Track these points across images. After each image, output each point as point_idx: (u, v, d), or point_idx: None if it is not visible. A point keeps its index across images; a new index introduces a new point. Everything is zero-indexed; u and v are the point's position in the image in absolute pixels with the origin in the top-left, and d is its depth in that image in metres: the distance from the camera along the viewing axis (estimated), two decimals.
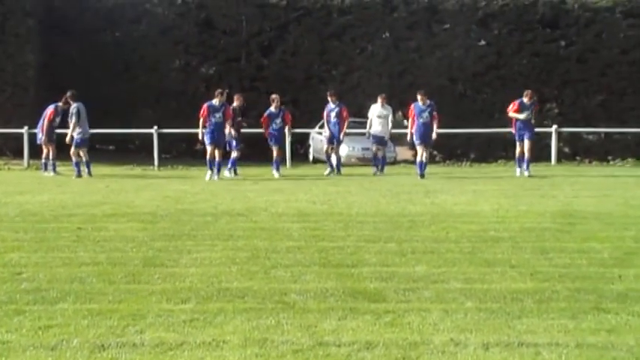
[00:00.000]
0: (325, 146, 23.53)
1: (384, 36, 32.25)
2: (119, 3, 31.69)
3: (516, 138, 22.18)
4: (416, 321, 6.98)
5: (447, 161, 29.74)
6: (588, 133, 30.85)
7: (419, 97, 21.89)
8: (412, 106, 22.08)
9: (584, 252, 10.18)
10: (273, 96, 22.32)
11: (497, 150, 29.75)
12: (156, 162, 26.70)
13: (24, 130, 26.37)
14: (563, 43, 31.79)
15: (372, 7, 31.72)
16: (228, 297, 7.78)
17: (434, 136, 21.91)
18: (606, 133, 31.00)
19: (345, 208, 14.56)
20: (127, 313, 7.19)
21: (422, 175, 21.30)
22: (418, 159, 21.90)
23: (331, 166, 23.04)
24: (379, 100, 23.41)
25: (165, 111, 30.24)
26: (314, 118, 27.26)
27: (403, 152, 30.63)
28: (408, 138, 22.67)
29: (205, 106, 21.11)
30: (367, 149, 28.60)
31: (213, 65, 31.96)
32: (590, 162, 29.29)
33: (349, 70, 31.38)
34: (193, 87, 30.92)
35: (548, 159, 28.43)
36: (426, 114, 21.70)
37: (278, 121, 22.27)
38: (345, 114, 23.02)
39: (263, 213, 13.90)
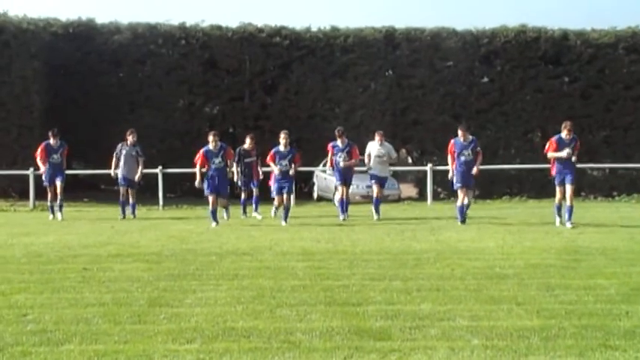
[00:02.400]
0: (338, 193, 21.15)
1: (386, 74, 32.45)
2: (123, 44, 31.86)
3: (555, 182, 18.49)
4: (422, 359, 6.97)
5: (452, 198, 29.72)
6: (593, 169, 30.86)
7: (460, 132, 19.35)
8: (452, 142, 19.54)
9: (591, 288, 10.16)
10: (283, 135, 19.78)
11: (502, 187, 29.85)
12: (160, 202, 26.78)
13: (29, 172, 26.48)
14: (566, 79, 32.05)
15: (375, 45, 31.95)
16: (234, 337, 7.76)
17: (474, 170, 19.13)
18: (611, 169, 31.06)
19: (349, 246, 14.57)
20: (133, 354, 7.19)
21: (463, 221, 18.82)
22: (458, 203, 19.27)
23: (343, 211, 20.61)
24: (377, 137, 21.24)
25: (170, 151, 30.36)
26: (318, 156, 27.34)
27: (407, 189, 30.68)
28: (450, 176, 19.65)
29: (201, 152, 19.16)
30: (371, 187, 28.70)
31: (217, 105, 32.15)
32: (595, 198, 29.32)
33: (352, 108, 31.51)
34: (197, 127, 31.02)
35: (553, 195, 28.33)
36: (467, 152, 19.13)
37: (284, 162, 19.48)
38: (356, 153, 20.77)
39: (268, 252, 13.90)
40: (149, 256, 13.33)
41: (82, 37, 31.97)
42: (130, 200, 22.10)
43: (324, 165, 24.56)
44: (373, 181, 21.19)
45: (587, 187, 30.42)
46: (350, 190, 21.81)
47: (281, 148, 19.57)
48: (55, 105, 30.04)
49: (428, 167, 28.51)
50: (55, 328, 8.14)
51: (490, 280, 10.74)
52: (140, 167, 22.27)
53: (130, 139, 22.01)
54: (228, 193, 19.92)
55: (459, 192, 19.19)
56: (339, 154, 20.45)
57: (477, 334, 7.79)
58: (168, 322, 8.43)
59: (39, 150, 21.26)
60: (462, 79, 31.91)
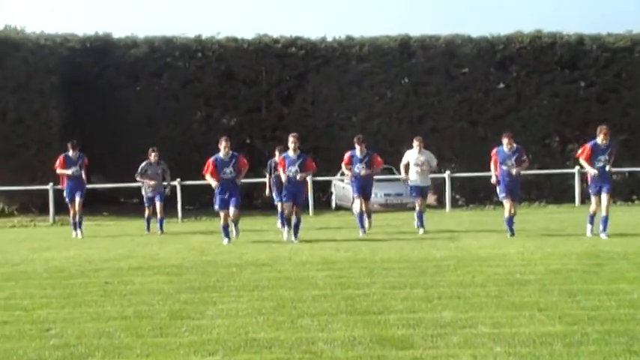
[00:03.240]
0: (357, 206, 19.25)
1: (402, 82, 32.45)
2: (140, 58, 32.01)
3: (591, 191, 17.42)
4: None
5: (470, 205, 29.72)
6: (612, 173, 30.68)
7: (505, 140, 17.84)
8: (495, 151, 18.16)
9: (613, 293, 10.09)
10: (291, 139, 17.93)
11: (520, 192, 29.70)
12: (179, 214, 26.85)
13: (49, 187, 26.61)
14: (582, 83, 31.98)
15: (390, 53, 32.00)
16: (256, 348, 7.75)
17: (514, 171, 17.64)
18: (630, 172, 30.89)
19: (369, 255, 14.55)
20: None
21: (512, 233, 17.53)
22: (506, 214, 17.86)
23: (362, 225, 19.08)
24: (416, 143, 19.61)
25: (188, 163, 30.37)
26: (335, 165, 27.28)
27: None
28: (493, 180, 18.15)
29: (210, 161, 17.67)
30: (389, 195, 28.73)
31: (234, 116, 32.22)
32: (614, 202, 29.15)
33: (369, 116, 31.53)
34: (215, 138, 30.90)
35: (572, 200, 28.35)
36: (511, 161, 17.66)
37: (293, 168, 17.64)
38: (377, 161, 19.36)
39: (287, 262, 13.91)
40: (170, 269, 13.37)
41: (99, 52, 32.17)
42: (158, 215, 21.65)
43: (342, 175, 24.38)
44: (414, 194, 19.53)
45: None
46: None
47: (290, 153, 17.73)
48: (73, 119, 30.18)
49: (446, 174, 28.49)
50: (78, 343, 8.16)
51: (511, 287, 10.70)
52: (167, 180, 22.19)
53: (152, 157, 21.73)
54: (239, 204, 17.87)
55: (505, 202, 17.88)
56: (358, 164, 18.94)
57: (499, 341, 7.75)
58: (189, 334, 8.43)
59: (58, 161, 21.03)
60: (477, 86, 31.90)
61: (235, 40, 32.79)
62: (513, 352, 7.35)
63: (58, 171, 21.11)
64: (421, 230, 18.99)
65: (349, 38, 32.84)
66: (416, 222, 19.35)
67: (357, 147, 19.06)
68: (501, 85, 32.39)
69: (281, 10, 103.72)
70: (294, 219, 17.60)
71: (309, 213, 26.30)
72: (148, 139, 30.47)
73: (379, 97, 32.12)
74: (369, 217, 19.47)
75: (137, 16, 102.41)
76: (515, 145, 17.84)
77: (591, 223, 17.19)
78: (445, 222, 22.18)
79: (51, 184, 26.13)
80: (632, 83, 31.52)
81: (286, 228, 18.15)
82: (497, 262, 13.25)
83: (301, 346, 7.77)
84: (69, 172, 20.69)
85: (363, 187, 19.13)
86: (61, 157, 21.01)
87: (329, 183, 30.21)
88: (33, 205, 29.63)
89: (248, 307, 9.75)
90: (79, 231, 20.91)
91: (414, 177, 19.29)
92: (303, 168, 17.64)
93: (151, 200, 21.72)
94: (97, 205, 27.96)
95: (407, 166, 19.45)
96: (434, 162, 19.80)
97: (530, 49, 31.92)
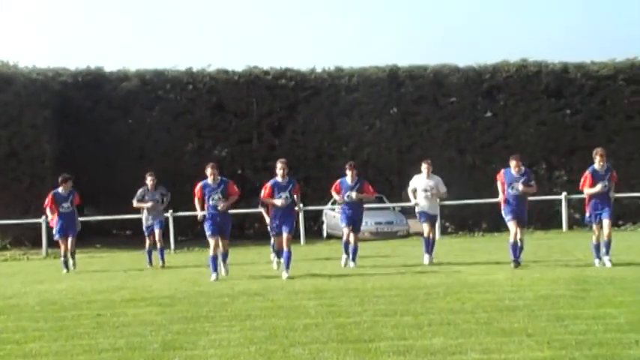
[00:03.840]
0: (345, 234, 18.35)
1: (391, 111, 32.57)
2: (132, 91, 32.07)
3: (591, 220, 16.56)
4: None
5: (459, 232, 29.75)
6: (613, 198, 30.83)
7: (512, 162, 16.93)
8: (502, 172, 17.22)
9: (600, 318, 10.12)
10: (280, 165, 16.63)
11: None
12: (172, 245, 26.80)
13: (42, 220, 26.52)
14: (568, 111, 32.14)
15: (379, 83, 32.14)
16: None
17: (520, 187, 16.74)
18: (615, 199, 30.93)
19: (360, 283, 14.55)
20: None
21: (516, 262, 16.44)
22: (511, 239, 16.69)
23: (347, 253, 18.25)
24: (424, 166, 18.62)
25: (180, 194, 30.31)
26: (326, 195, 27.33)
27: (415, 225, 30.61)
28: (501, 197, 17.20)
29: (199, 186, 16.85)
30: (380, 223, 28.79)
31: (225, 147, 32.19)
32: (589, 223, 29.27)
33: (359, 146, 31.60)
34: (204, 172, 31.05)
35: (560, 226, 28.43)
36: (518, 184, 16.73)
37: (284, 195, 16.41)
38: (369, 190, 18.49)
39: (279, 291, 13.89)
40: (162, 300, 13.33)
41: (91, 86, 32.23)
42: (158, 245, 20.79)
43: (333, 203, 24.30)
44: (422, 220, 18.44)
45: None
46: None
47: (279, 179, 16.48)
48: (66, 153, 30.15)
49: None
50: None
51: (500, 313, 10.72)
52: (165, 204, 21.63)
53: (149, 182, 21.01)
54: (228, 234, 16.97)
55: (510, 226, 16.85)
56: (348, 192, 18.02)
57: None
58: None
59: (47, 200, 20.14)
60: (465, 115, 32.04)
61: (226, 72, 32.89)
62: None
63: (48, 211, 20.36)
64: (426, 258, 18.15)
65: (338, 69, 32.98)
66: (424, 250, 18.37)
67: (349, 173, 18.19)
68: (489, 114, 32.51)
69: (271, 42, 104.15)
70: (285, 251, 16.30)
71: (300, 242, 26.27)
72: (141, 171, 30.46)
73: (369, 127, 32.23)
74: (354, 250, 18.22)
75: (128, 49, 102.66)
76: (523, 168, 17.08)
77: (598, 255, 16.40)
78: (435, 249, 22.15)
79: (43, 217, 25.94)
80: (616, 110, 31.70)
81: (276, 259, 17.85)
82: (486, 288, 13.29)
83: None
84: (53, 219, 20.04)
85: (353, 218, 18.20)
86: (50, 196, 20.10)
87: (320, 212, 30.23)
88: (26, 239, 29.48)
89: (240, 337, 9.73)
90: (70, 267, 20.04)
91: (422, 203, 18.34)
92: (291, 194, 16.50)
93: (151, 229, 20.91)
94: (89, 237, 27.82)
95: (415, 192, 18.54)
96: (443, 188, 18.72)
97: (516, 77, 32.11)
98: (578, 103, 31.95)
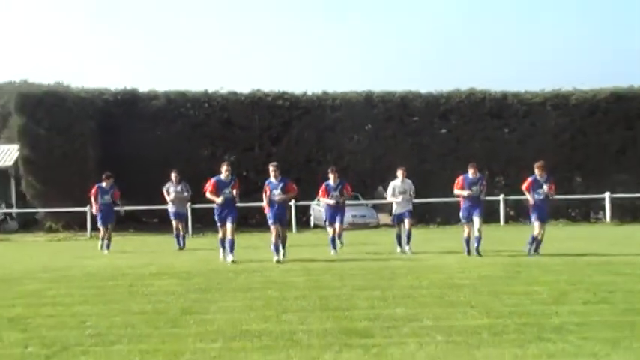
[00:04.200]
0: (330, 229, 17.48)
1: (366, 127, 32.52)
2: (160, 108, 31.95)
3: (533, 218, 16.26)
4: (397, 353, 6.97)
5: (418, 225, 29.74)
6: (528, 201, 30.83)
7: (470, 170, 16.28)
8: (461, 178, 16.43)
9: (528, 294, 10.18)
10: (272, 168, 15.88)
11: (458, 214, 29.77)
12: (190, 231, 26.72)
13: (87, 209, 26.47)
14: (506, 130, 32.21)
15: (357, 105, 32.12)
16: (248, 337, 7.76)
17: (474, 190, 16.19)
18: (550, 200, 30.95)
19: (339, 264, 14.53)
20: (169, 352, 7.19)
21: (469, 252, 15.81)
22: (465, 235, 16.19)
23: (334, 247, 17.13)
24: (400, 172, 17.80)
25: (197, 191, 30.12)
26: (313, 193, 27.19)
27: (384, 218, 30.68)
28: (466, 193, 16.36)
29: (213, 181, 15.96)
30: (356, 216, 28.82)
31: (233, 154, 31.99)
32: (529, 222, 29.32)
33: (340, 155, 31.51)
34: (218, 172, 30.90)
35: (498, 221, 28.52)
36: (475, 187, 16.18)
37: (277, 192, 15.57)
38: (348, 190, 17.66)
39: (275, 269, 13.89)
40: (181, 274, 13.33)
41: (127, 103, 32.05)
42: (181, 232, 20.67)
43: (318, 201, 24.16)
44: (403, 216, 17.54)
45: (524, 214, 30.32)
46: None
47: (272, 179, 15.65)
48: (106, 156, 29.93)
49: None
50: (108, 332, 8.14)
51: (450, 289, 10.75)
52: (186, 199, 21.29)
53: (173, 178, 20.81)
54: (235, 220, 15.91)
55: (465, 226, 16.36)
56: (332, 193, 17.20)
57: (439, 331, 7.80)
58: (196, 326, 8.43)
59: (93, 191, 19.97)
60: (425, 132, 32.01)
61: (235, 93, 32.76)
62: (451, 340, 7.41)
63: (92, 200, 19.99)
64: (398, 249, 17.37)
65: (325, 93, 32.86)
66: (399, 242, 17.54)
67: (331, 176, 17.32)
68: (444, 131, 32.51)
69: (271, 70, 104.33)
70: (282, 237, 15.61)
71: (292, 231, 26.24)
72: (165, 171, 30.42)
73: (348, 140, 32.17)
74: (339, 238, 17.31)
75: (158, 74, 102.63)
76: (478, 174, 16.48)
77: (531, 244, 15.94)
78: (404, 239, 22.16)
79: (88, 206, 25.90)
80: (545, 130, 31.74)
81: (275, 252, 15.44)
82: (439, 269, 13.31)
83: (284, 335, 7.78)
84: (97, 205, 19.73)
85: (335, 214, 17.25)
86: (95, 188, 19.93)
87: (308, 207, 30.20)
88: (74, 223, 29.43)
89: (242, 305, 9.74)
90: (106, 250, 19.60)
91: (398, 202, 17.53)
92: (284, 191, 15.58)
93: (176, 215, 20.60)
94: (124, 223, 27.70)
95: (393, 193, 17.62)
96: (413, 192, 17.88)
97: (466, 102, 32.13)
98: (515, 123, 31.99)
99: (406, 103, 32.34)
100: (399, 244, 17.56)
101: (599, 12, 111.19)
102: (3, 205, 32.98)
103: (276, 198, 15.58)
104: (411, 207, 17.75)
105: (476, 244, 15.87)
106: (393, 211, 17.91)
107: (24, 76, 55.49)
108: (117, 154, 30.15)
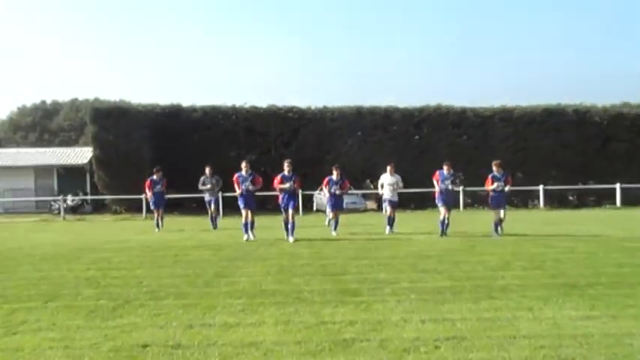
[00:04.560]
0: (330, 215, 16.68)
1: (357, 134, 32.42)
2: (198, 119, 31.92)
3: (493, 206, 15.68)
4: (380, 308, 7.01)
5: (398, 209, 29.68)
6: (483, 191, 30.78)
7: (445, 167, 15.75)
8: (437, 173, 15.85)
9: (481, 262, 10.21)
10: (286, 163, 15.62)
11: (429, 201, 29.71)
12: (220, 214, 26.71)
13: (142, 197, 26.47)
14: (465, 137, 32.06)
15: (350, 116, 32.06)
16: (265, 295, 7.80)
17: (450, 186, 15.76)
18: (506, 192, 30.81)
19: (336, 239, 14.59)
20: (205, 306, 7.23)
21: (443, 234, 15.18)
22: (441, 217, 15.44)
23: (335, 228, 16.48)
24: (389, 168, 17.15)
25: (225, 183, 30.07)
26: (316, 185, 27.33)
27: (370, 204, 30.71)
28: (440, 187, 15.71)
29: (236, 176, 15.79)
30: (349, 203, 28.72)
31: (254, 155, 31.82)
32: (483, 208, 29.31)
33: (337, 156, 31.29)
34: (240, 168, 30.79)
35: (458, 207, 28.46)
36: (448, 181, 15.64)
37: (288, 184, 15.08)
38: (346, 185, 16.69)
39: (286, 243, 13.93)
40: (214, 247, 13.39)
41: (173, 115, 32.00)
42: (214, 214, 20.38)
43: (320, 190, 24.15)
44: (386, 204, 16.98)
45: (479, 202, 30.38)
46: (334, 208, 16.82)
47: (286, 173, 15.20)
48: (157, 156, 29.75)
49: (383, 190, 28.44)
50: (159, 290, 8.19)
51: (421, 259, 10.78)
52: (218, 187, 20.78)
53: (207, 171, 20.44)
54: (254, 208, 15.71)
55: (441, 209, 15.56)
56: (334, 186, 16.37)
57: (413, 291, 7.83)
58: (226, 286, 8.47)
59: (147, 182, 19.94)
60: (402, 138, 31.92)
61: (256, 107, 32.68)
62: (422, 298, 7.44)
63: (147, 189, 19.93)
64: (387, 229, 16.46)
65: (325, 107, 32.84)
66: (386, 224, 16.72)
67: (335, 172, 16.50)
68: (417, 138, 32.41)
69: (285, 89, 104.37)
70: (291, 221, 14.77)
71: (299, 214, 26.24)
72: (202, 167, 30.42)
73: (344, 144, 32.10)
74: (336, 222, 16.61)
75: (198, 91, 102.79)
76: (452, 170, 15.78)
77: (496, 230, 15.19)
78: (382, 220, 22.16)
79: (143, 195, 25.89)
80: (494, 138, 31.62)
81: (286, 233, 14.96)
82: (413, 243, 13.36)
83: (293, 294, 7.83)
84: (149, 194, 19.66)
85: (336, 203, 16.56)
86: (148, 180, 19.87)
87: (312, 195, 30.20)
88: (133, 207, 29.54)
89: (261, 271, 9.78)
90: (160, 227, 19.55)
91: (387, 193, 16.85)
92: (295, 183, 15.12)
93: (209, 203, 20.32)
94: (171, 208, 27.71)
95: (382, 186, 17.09)
96: (401, 183, 17.14)
97: (434, 115, 32.03)
98: (472, 132, 31.89)
99: (388, 115, 32.24)
100: (390, 226, 16.63)
101: (538, 41, 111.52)
102: (80, 193, 33.76)
103: (287, 186, 14.90)
104: (396, 197, 17.12)
105: (442, 228, 15.21)
106: (384, 196, 17.07)
107: (96, 94, 55.93)
108: (165, 155, 30.16)
